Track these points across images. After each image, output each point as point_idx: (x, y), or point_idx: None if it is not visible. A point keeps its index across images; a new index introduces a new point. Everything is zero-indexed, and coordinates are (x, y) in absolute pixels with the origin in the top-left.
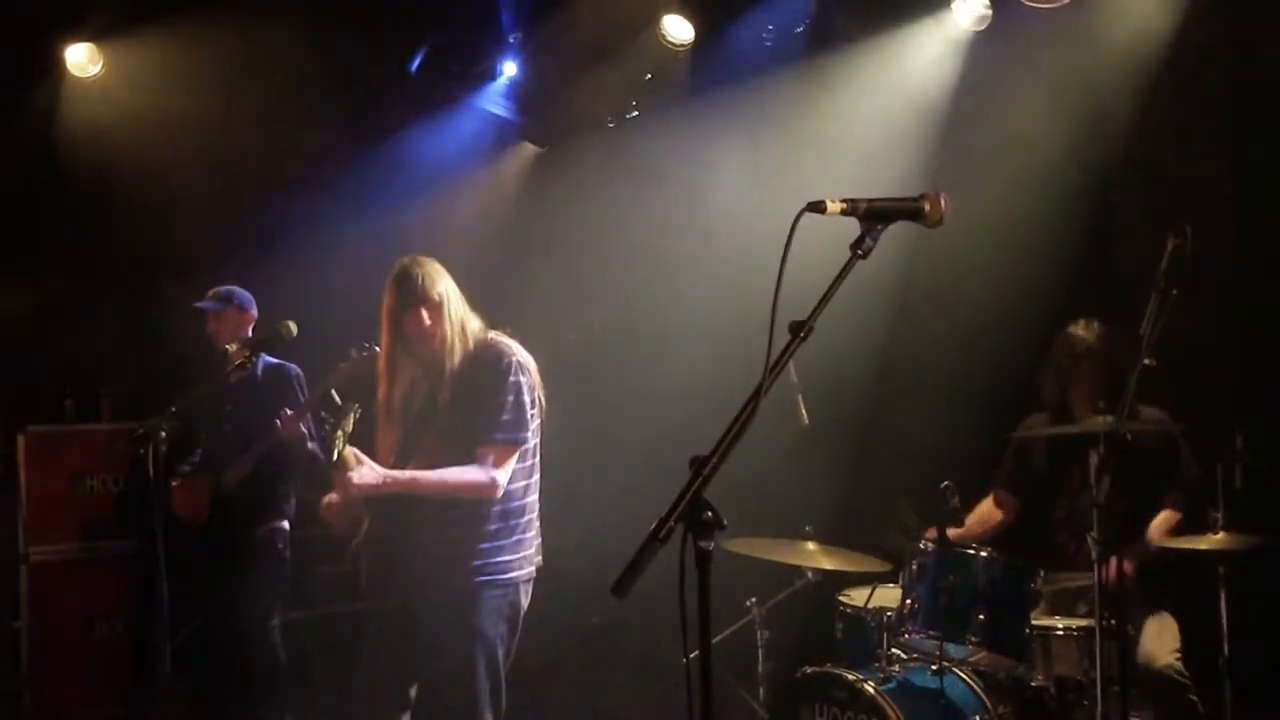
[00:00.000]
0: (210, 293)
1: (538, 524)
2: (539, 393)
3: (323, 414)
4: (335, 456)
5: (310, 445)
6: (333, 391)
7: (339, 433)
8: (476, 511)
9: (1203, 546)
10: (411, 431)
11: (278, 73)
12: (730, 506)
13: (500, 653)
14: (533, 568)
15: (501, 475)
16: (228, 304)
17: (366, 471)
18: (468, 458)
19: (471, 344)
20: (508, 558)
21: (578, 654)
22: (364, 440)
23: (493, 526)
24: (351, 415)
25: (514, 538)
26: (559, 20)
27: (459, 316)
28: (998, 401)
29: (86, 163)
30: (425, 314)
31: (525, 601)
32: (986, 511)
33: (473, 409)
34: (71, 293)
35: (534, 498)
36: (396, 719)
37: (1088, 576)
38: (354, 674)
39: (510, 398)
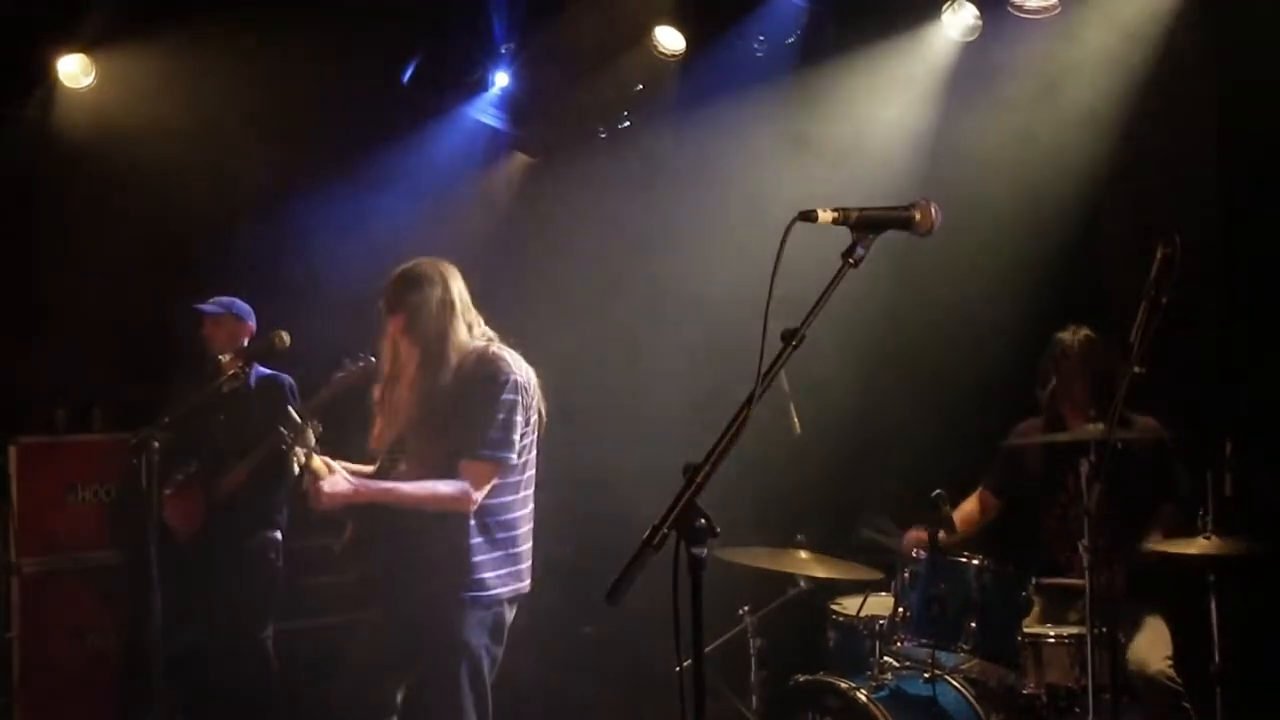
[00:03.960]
0: (211, 300)
1: (529, 542)
2: (538, 410)
3: (282, 430)
4: (296, 472)
5: None
6: (290, 409)
7: (298, 450)
8: (462, 526)
9: (1193, 552)
10: (405, 432)
11: (270, 84)
12: (723, 514)
13: (485, 665)
14: (521, 584)
15: (478, 492)
16: (227, 311)
17: (339, 480)
18: (452, 470)
19: (462, 356)
20: (493, 574)
21: (568, 664)
22: (338, 452)
23: (479, 541)
24: (310, 432)
25: (500, 552)
26: (551, 31)
27: (440, 329)
28: (989, 409)
29: (79, 174)
30: (402, 323)
31: (511, 615)
32: (968, 510)
33: (461, 422)
34: (63, 303)
35: (524, 513)
36: None
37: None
38: (339, 677)
39: (500, 415)
